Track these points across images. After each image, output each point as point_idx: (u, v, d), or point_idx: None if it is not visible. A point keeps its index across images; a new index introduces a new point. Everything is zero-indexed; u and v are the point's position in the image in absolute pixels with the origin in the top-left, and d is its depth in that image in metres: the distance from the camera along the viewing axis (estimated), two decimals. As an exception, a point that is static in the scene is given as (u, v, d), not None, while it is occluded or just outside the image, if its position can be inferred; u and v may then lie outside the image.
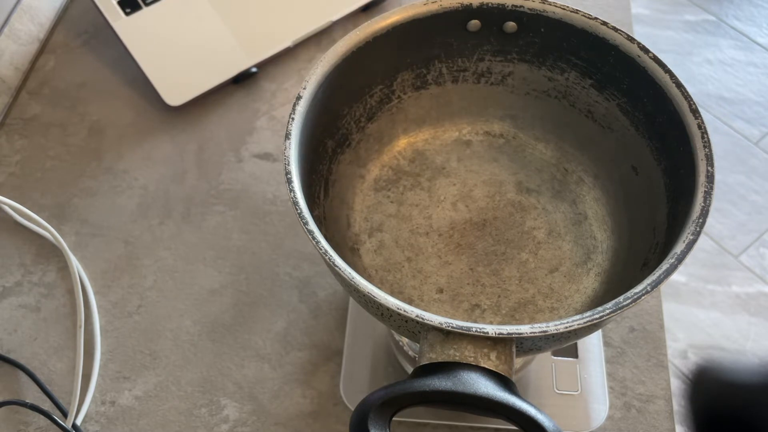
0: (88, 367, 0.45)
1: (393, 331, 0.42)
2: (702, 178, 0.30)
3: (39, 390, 0.44)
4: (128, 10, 0.56)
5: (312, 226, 0.30)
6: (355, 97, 0.40)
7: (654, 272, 0.28)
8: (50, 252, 0.51)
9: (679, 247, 0.28)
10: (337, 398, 0.44)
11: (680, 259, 0.28)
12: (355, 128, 0.41)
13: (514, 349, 0.28)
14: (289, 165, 0.32)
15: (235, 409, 0.44)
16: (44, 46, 0.62)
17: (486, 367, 0.27)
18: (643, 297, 0.27)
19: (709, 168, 0.31)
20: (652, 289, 0.27)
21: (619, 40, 0.35)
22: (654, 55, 0.34)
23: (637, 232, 0.37)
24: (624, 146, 0.38)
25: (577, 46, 0.37)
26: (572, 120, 0.41)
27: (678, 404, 0.44)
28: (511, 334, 0.27)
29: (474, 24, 0.38)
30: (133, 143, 0.56)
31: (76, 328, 0.46)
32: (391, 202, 0.42)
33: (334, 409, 0.43)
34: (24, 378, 0.45)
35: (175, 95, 0.56)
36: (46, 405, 0.44)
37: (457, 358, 0.27)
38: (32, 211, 0.51)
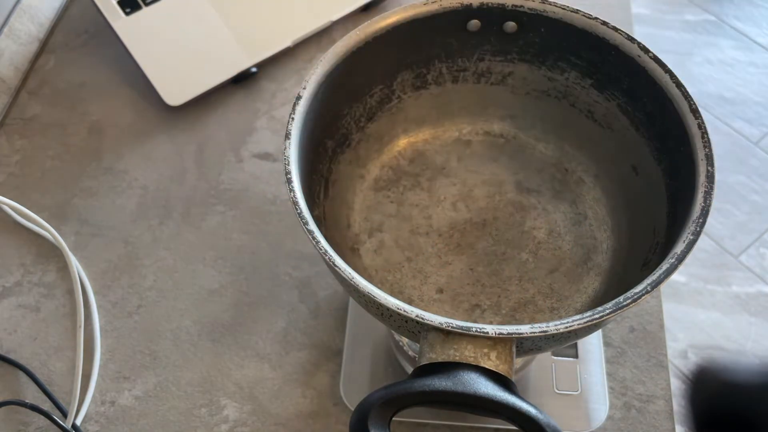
0: (88, 367, 0.45)
1: (393, 331, 0.42)
2: (702, 178, 0.30)
3: (39, 390, 0.44)
4: (128, 10, 0.56)
5: (312, 226, 0.30)
6: (355, 97, 0.40)
7: (654, 272, 0.28)
8: (50, 252, 0.51)
9: (679, 247, 0.28)
10: (337, 398, 0.44)
11: (680, 259, 0.28)
12: (355, 128, 0.41)
13: (514, 349, 0.28)
14: (289, 165, 0.32)
15: (235, 409, 0.44)
16: (44, 46, 0.62)
17: (486, 367, 0.27)
18: (643, 297, 0.27)
19: (709, 168, 0.31)
20: (652, 289, 0.27)
21: (619, 40, 0.35)
22: (654, 55, 0.34)
23: (637, 232, 0.37)
24: (624, 146, 0.38)
25: (577, 46, 0.37)
26: (572, 120, 0.41)
27: (678, 404, 0.44)
28: (511, 334, 0.27)
29: (474, 24, 0.38)
30: (133, 143, 0.56)
31: (76, 328, 0.46)
32: (391, 202, 0.42)
33: (334, 409, 0.43)
34: (24, 378, 0.45)
35: (175, 95, 0.56)
36: (46, 405, 0.43)
37: (457, 358, 0.27)
38: (32, 211, 0.51)
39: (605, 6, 0.64)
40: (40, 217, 0.51)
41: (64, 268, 0.50)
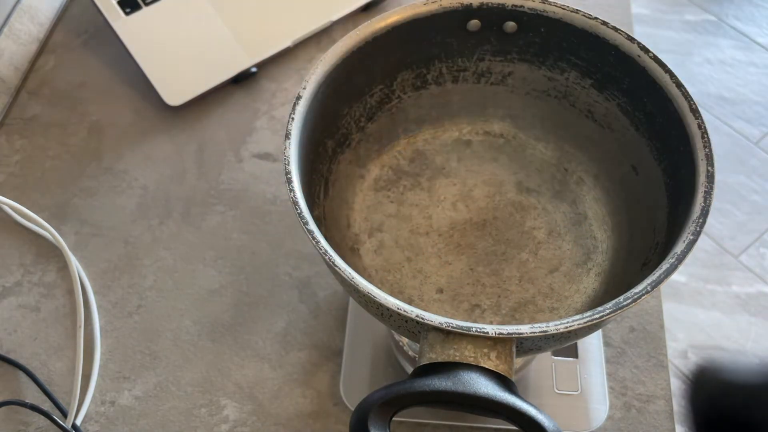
0: (88, 367, 0.45)
1: (393, 331, 0.42)
2: (702, 178, 0.30)
3: (39, 390, 0.44)
4: (128, 10, 0.56)
5: (312, 226, 0.30)
6: (355, 97, 0.40)
7: (654, 272, 0.28)
8: (50, 252, 0.51)
9: (679, 247, 0.28)
10: (337, 398, 0.44)
11: (680, 259, 0.28)
12: (355, 128, 0.41)
13: (514, 349, 0.28)
14: (289, 165, 0.32)
15: (235, 409, 0.44)
16: (44, 46, 0.62)
17: (486, 367, 0.27)
18: (643, 297, 0.27)
19: (709, 168, 0.31)
20: (652, 289, 0.27)
21: (619, 40, 0.35)
22: (654, 55, 0.34)
23: (637, 232, 0.37)
24: (624, 146, 0.38)
25: (577, 46, 0.37)
26: (572, 120, 0.41)
27: (678, 404, 0.44)
28: (511, 334, 0.27)
29: (474, 24, 0.38)
30: (133, 143, 0.56)
31: (76, 328, 0.46)
32: (391, 202, 0.42)
33: (334, 409, 0.43)
34: (24, 378, 0.45)
35: (174, 95, 0.56)
36: (46, 405, 0.43)
37: (457, 358, 0.27)
38: (32, 211, 0.51)
39: (605, 6, 0.64)
40: (40, 217, 0.51)
41: (64, 268, 0.50)
